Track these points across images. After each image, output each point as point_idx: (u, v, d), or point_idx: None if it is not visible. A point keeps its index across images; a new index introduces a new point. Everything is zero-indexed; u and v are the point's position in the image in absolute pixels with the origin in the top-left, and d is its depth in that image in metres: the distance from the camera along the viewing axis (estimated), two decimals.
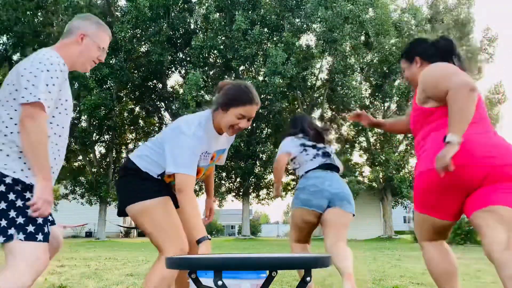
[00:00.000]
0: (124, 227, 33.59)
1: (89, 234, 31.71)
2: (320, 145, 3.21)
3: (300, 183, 3.12)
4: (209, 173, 2.46)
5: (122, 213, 2.21)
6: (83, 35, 1.93)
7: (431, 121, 2.05)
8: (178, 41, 24.84)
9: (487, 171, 1.87)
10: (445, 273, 2.10)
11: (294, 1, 22.96)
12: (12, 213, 1.69)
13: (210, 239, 1.96)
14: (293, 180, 25.88)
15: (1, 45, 21.78)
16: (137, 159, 2.21)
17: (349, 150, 23.18)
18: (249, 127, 24.21)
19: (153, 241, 2.13)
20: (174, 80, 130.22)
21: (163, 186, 2.21)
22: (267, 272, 1.70)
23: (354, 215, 3.10)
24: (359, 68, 23.20)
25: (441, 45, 2.29)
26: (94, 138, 21.90)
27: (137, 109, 25.36)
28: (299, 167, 3.18)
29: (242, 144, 22.63)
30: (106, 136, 23.30)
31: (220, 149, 2.31)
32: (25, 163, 1.73)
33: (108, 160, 22.94)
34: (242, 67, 24.28)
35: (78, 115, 22.49)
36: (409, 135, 23.34)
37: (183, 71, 25.49)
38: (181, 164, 2.02)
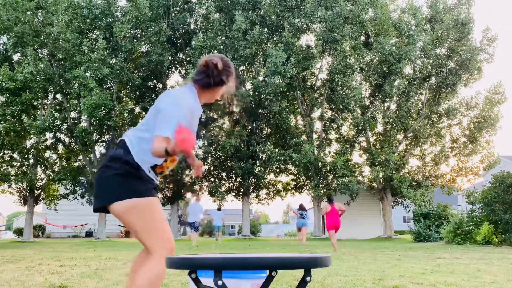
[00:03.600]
0: (124, 227, 33.61)
1: (89, 234, 31.72)
2: (303, 211, 15.35)
3: (296, 221, 15.79)
4: None
5: (101, 209, 2.11)
6: None
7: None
8: (178, 41, 24.84)
9: (334, 226, 10.63)
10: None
11: (294, 1, 22.96)
12: None
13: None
14: (292, 180, 25.94)
15: (1, 45, 21.77)
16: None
17: (349, 150, 23.17)
18: (249, 127, 24.25)
19: (142, 241, 2.07)
20: (174, 80, 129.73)
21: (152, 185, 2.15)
22: (267, 272, 1.70)
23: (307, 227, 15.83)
24: (359, 68, 23.19)
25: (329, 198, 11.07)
26: (94, 138, 21.89)
27: (137, 109, 25.34)
28: (296, 215, 15.98)
29: (242, 144, 22.63)
30: (106, 136, 23.31)
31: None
32: None
33: None
34: (242, 67, 24.27)
35: (78, 115, 22.49)
36: (409, 135, 23.29)
37: (183, 71, 25.49)
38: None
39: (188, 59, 24.56)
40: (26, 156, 21.56)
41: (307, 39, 57.92)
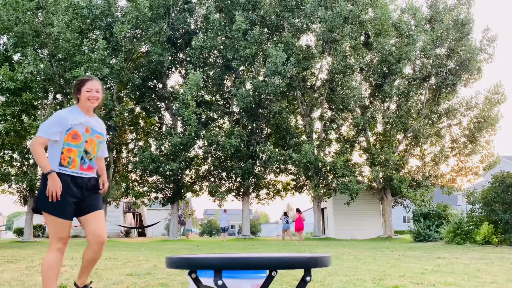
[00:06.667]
0: (124, 227, 33.60)
1: None
2: (286, 217, 22.01)
3: (283, 224, 22.22)
4: (95, 153, 3.14)
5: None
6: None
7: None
8: (178, 41, 24.84)
9: (300, 228, 19.52)
10: None
11: (294, 1, 22.95)
12: None
13: (54, 172, 2.84)
14: (292, 180, 25.94)
15: (1, 45, 21.77)
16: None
17: (349, 150, 23.17)
18: (249, 127, 24.26)
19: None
20: (174, 80, 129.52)
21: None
22: (267, 272, 1.71)
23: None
24: (359, 68, 23.19)
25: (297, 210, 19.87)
26: None
27: (137, 109, 25.35)
28: (283, 220, 22.64)
29: (242, 144, 22.62)
30: (107, 136, 23.32)
31: (94, 129, 3.11)
32: None
33: (108, 160, 22.95)
34: (242, 67, 24.27)
35: None
36: (409, 135, 23.29)
37: (183, 71, 25.48)
38: (40, 129, 2.94)
39: (188, 59, 24.55)
40: (26, 156, 21.56)
41: (307, 39, 57.93)
